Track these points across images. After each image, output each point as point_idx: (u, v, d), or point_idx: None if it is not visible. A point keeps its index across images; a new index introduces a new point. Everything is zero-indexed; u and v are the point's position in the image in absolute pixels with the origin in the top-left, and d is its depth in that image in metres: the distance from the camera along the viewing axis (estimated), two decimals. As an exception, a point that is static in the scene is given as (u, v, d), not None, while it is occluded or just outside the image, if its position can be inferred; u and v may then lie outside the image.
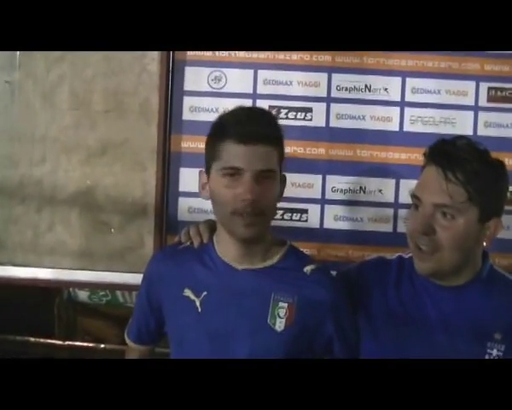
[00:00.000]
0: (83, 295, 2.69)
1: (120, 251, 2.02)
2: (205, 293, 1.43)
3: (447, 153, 1.34)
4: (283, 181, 1.45)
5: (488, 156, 1.37)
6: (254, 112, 1.46)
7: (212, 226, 1.50)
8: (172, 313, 1.49)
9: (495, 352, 1.35)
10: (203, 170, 1.44)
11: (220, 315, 1.41)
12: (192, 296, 1.44)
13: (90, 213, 2.02)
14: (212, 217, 1.53)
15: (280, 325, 1.40)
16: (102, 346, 2.24)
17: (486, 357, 1.35)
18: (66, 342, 2.29)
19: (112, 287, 2.21)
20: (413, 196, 1.37)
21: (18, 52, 1.98)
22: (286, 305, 1.40)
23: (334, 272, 1.54)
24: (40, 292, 2.45)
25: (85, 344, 2.35)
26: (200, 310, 1.42)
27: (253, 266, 1.42)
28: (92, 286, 2.26)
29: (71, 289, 2.63)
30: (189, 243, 1.51)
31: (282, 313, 1.40)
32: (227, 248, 1.43)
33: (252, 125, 1.34)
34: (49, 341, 2.29)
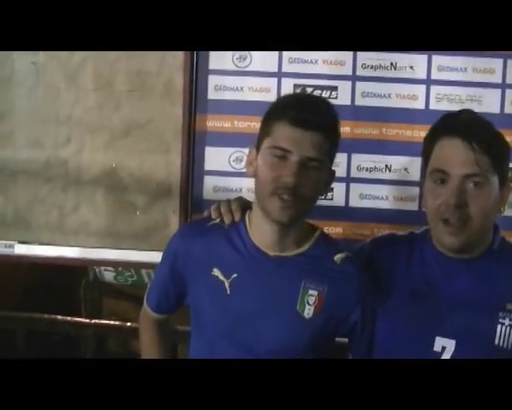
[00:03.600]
0: (109, 275, 2.70)
1: (145, 231, 2.03)
2: (235, 275, 1.42)
3: (464, 124, 1.35)
4: (331, 175, 1.43)
5: (491, 125, 1.39)
6: (313, 98, 1.47)
7: (244, 205, 1.49)
8: (197, 291, 1.48)
9: (507, 321, 1.35)
10: (253, 146, 1.43)
11: (249, 298, 1.41)
12: (221, 277, 1.43)
13: (115, 194, 2.04)
14: (239, 195, 1.54)
15: (309, 312, 1.40)
16: (128, 324, 2.26)
17: (499, 327, 1.35)
18: (93, 321, 2.32)
19: (137, 266, 2.23)
20: (437, 170, 1.36)
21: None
22: (316, 293, 1.40)
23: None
24: (67, 273, 2.47)
25: (111, 322, 2.37)
26: (228, 292, 1.42)
27: (285, 253, 1.42)
28: (117, 265, 2.28)
29: (97, 270, 2.65)
30: (218, 220, 1.48)
31: (311, 300, 1.40)
32: (260, 232, 1.42)
33: (309, 111, 1.34)
34: (76, 319, 2.31)
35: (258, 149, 1.40)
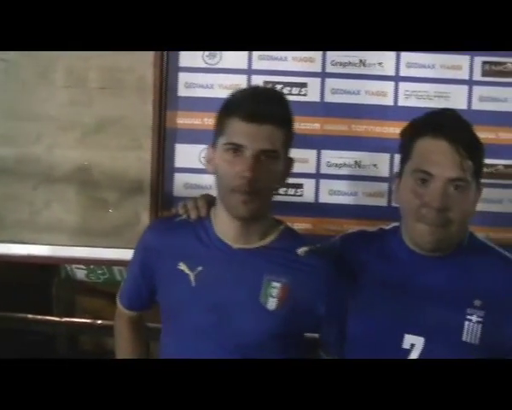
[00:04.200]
0: (80, 273, 2.69)
1: (117, 228, 2.03)
2: (200, 268, 1.44)
3: (449, 126, 1.35)
4: (289, 164, 1.45)
5: (471, 126, 1.39)
6: (264, 91, 1.48)
7: (210, 201, 1.51)
8: (165, 285, 1.50)
9: (475, 318, 1.36)
10: (210, 145, 1.45)
11: (214, 291, 1.42)
12: (186, 270, 1.45)
13: (87, 191, 2.03)
14: (208, 192, 1.56)
15: (272, 304, 1.41)
16: (99, 322, 2.25)
17: (466, 323, 1.36)
18: (64, 319, 2.31)
19: (109, 263, 2.22)
20: (420, 170, 1.35)
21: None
22: (279, 285, 1.41)
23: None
24: (39, 271, 2.46)
25: (83, 320, 2.36)
26: (194, 284, 1.44)
27: (249, 246, 1.43)
28: (89, 262, 2.27)
29: (68, 268, 2.64)
30: (185, 217, 1.51)
31: (274, 292, 1.41)
32: (224, 226, 1.44)
33: (259, 105, 1.35)
34: (47, 317, 2.29)
35: (214, 146, 1.42)
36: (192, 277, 1.44)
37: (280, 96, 1.44)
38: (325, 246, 1.57)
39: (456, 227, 1.34)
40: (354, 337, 1.45)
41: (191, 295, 1.44)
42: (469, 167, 1.32)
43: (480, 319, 1.36)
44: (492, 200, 1.93)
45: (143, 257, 1.55)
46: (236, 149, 1.35)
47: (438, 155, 1.34)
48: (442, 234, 1.34)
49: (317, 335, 1.52)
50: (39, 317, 2.26)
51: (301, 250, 1.44)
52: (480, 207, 1.91)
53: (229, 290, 1.42)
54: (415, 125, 1.42)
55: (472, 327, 1.36)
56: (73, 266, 2.58)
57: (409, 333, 1.38)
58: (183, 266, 1.45)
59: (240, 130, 1.35)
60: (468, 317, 1.36)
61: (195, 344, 1.44)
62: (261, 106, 1.36)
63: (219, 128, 1.40)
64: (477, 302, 1.37)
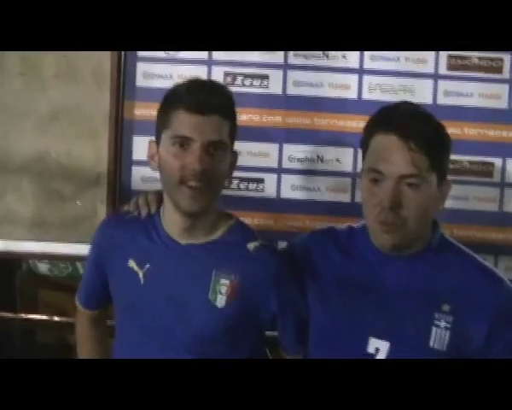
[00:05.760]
0: (43, 267, 2.63)
1: (73, 220, 1.97)
2: (147, 265, 1.41)
3: (401, 119, 1.30)
4: (235, 157, 1.42)
5: (432, 118, 1.34)
6: (208, 82, 1.43)
7: (161, 197, 1.47)
8: (116, 283, 1.48)
9: (443, 324, 1.32)
10: (153, 140, 1.41)
11: (162, 289, 1.39)
12: (136, 268, 1.42)
13: (42, 182, 1.97)
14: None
15: (221, 301, 1.38)
16: (56, 319, 2.21)
17: (434, 329, 1.32)
18: (20, 315, 2.26)
19: (64, 258, 2.17)
20: (371, 169, 1.32)
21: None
22: (227, 282, 1.38)
23: (284, 244, 1.52)
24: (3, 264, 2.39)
25: (41, 317, 2.30)
26: (142, 282, 1.41)
27: (197, 241, 1.40)
28: (43, 258, 2.22)
29: (31, 262, 2.59)
30: (136, 213, 1.48)
31: (223, 289, 1.38)
32: (171, 221, 1.40)
33: (204, 95, 1.32)
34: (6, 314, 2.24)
35: (157, 141, 1.38)
36: (141, 274, 1.41)
37: (223, 87, 1.40)
38: (292, 242, 1.55)
39: (413, 225, 1.30)
40: (317, 338, 1.43)
41: (140, 293, 1.41)
42: (423, 162, 1.27)
43: (448, 325, 1.32)
44: (457, 197, 1.89)
45: (96, 255, 1.53)
46: (183, 141, 1.31)
47: (388, 151, 1.29)
48: (399, 233, 1.30)
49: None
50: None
51: (250, 245, 1.40)
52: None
53: (177, 288, 1.39)
54: (369, 122, 1.38)
55: (440, 333, 1.32)
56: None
57: (374, 337, 1.35)
58: (132, 264, 1.43)
59: (186, 121, 1.31)
60: (436, 322, 1.32)
61: (145, 344, 1.41)
62: (207, 96, 1.32)
63: (163, 122, 1.36)
64: (445, 307, 1.33)
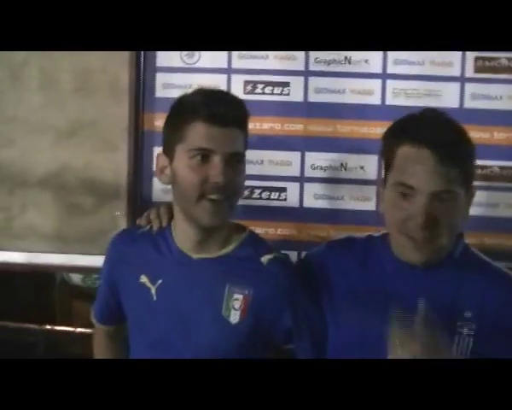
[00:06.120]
0: (76, 277, 2.64)
1: (93, 234, 1.96)
2: (160, 281, 1.38)
3: (430, 132, 1.24)
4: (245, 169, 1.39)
5: (458, 125, 1.29)
6: (221, 93, 1.40)
7: (172, 210, 1.43)
8: (129, 299, 1.45)
9: (466, 331, 1.28)
10: (161, 153, 1.37)
11: (175, 305, 1.36)
12: (148, 284, 1.39)
13: (62, 196, 1.96)
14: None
15: (235, 317, 1.34)
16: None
17: (457, 337, 1.28)
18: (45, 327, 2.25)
19: (85, 271, 2.16)
20: (399, 183, 1.26)
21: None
22: (241, 297, 1.34)
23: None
24: (35, 276, 2.39)
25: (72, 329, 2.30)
26: (155, 298, 1.38)
27: (209, 255, 1.37)
28: (65, 270, 2.21)
29: (64, 274, 2.59)
30: (148, 228, 1.46)
31: (236, 304, 1.34)
32: (183, 235, 1.38)
33: (222, 106, 1.29)
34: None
35: (169, 155, 1.34)
36: (153, 290, 1.39)
37: (237, 98, 1.37)
38: (308, 254, 1.51)
39: (445, 240, 1.26)
40: (334, 352, 1.38)
41: (153, 309, 1.39)
42: (456, 176, 1.22)
43: (471, 332, 1.27)
44: (488, 204, 1.83)
45: (108, 271, 1.51)
46: (203, 153, 1.28)
47: (420, 166, 1.23)
48: (431, 248, 1.26)
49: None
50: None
51: (264, 258, 1.37)
52: (473, 211, 1.84)
53: (190, 304, 1.35)
54: (393, 132, 1.32)
55: (463, 341, 1.28)
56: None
57: None
58: (144, 279, 1.40)
59: (206, 133, 1.28)
60: (459, 330, 1.28)
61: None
62: (225, 108, 1.29)
63: (177, 135, 1.32)
64: (467, 314, 1.28)
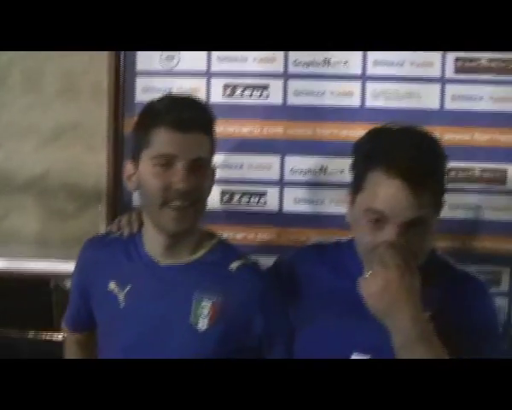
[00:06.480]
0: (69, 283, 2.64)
1: (76, 239, 1.95)
2: (129, 287, 1.37)
3: (402, 159, 1.20)
4: (213, 173, 1.38)
5: (430, 139, 1.26)
6: (186, 99, 1.38)
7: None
8: (98, 305, 1.44)
9: None
10: (129, 160, 1.37)
11: (142, 312, 1.35)
12: (116, 290, 1.39)
13: (46, 200, 1.97)
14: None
15: (203, 324, 1.32)
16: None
17: None
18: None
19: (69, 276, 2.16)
20: (371, 210, 1.23)
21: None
22: (209, 304, 1.33)
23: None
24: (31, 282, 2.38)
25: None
26: (123, 304, 1.37)
27: (178, 261, 1.36)
28: (49, 277, 2.21)
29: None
30: (119, 234, 1.45)
31: (205, 312, 1.32)
32: (152, 241, 1.37)
33: (185, 112, 1.29)
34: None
35: (135, 161, 1.34)
36: (121, 297, 1.38)
37: (202, 103, 1.36)
38: (278, 260, 1.50)
39: (421, 257, 1.24)
40: (302, 354, 1.36)
41: (121, 315, 1.38)
42: (429, 200, 1.20)
43: None
44: (469, 206, 1.80)
45: (78, 277, 1.50)
46: (166, 160, 1.27)
47: (392, 195, 1.20)
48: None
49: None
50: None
51: (233, 265, 1.35)
52: (456, 213, 1.80)
53: (158, 310, 1.34)
54: (360, 153, 1.29)
55: None
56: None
57: (357, 351, 1.29)
58: (112, 286, 1.39)
59: (169, 139, 1.27)
60: None
61: None
62: (189, 113, 1.28)
63: (142, 141, 1.31)
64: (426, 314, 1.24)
